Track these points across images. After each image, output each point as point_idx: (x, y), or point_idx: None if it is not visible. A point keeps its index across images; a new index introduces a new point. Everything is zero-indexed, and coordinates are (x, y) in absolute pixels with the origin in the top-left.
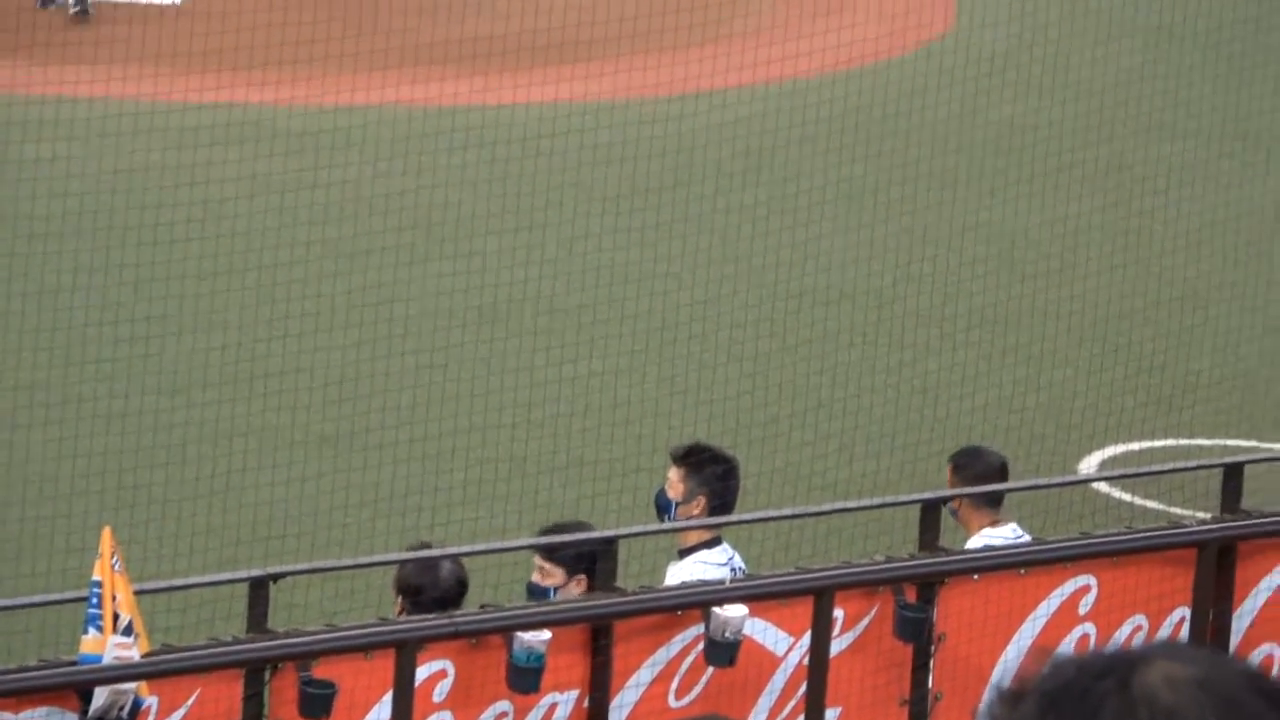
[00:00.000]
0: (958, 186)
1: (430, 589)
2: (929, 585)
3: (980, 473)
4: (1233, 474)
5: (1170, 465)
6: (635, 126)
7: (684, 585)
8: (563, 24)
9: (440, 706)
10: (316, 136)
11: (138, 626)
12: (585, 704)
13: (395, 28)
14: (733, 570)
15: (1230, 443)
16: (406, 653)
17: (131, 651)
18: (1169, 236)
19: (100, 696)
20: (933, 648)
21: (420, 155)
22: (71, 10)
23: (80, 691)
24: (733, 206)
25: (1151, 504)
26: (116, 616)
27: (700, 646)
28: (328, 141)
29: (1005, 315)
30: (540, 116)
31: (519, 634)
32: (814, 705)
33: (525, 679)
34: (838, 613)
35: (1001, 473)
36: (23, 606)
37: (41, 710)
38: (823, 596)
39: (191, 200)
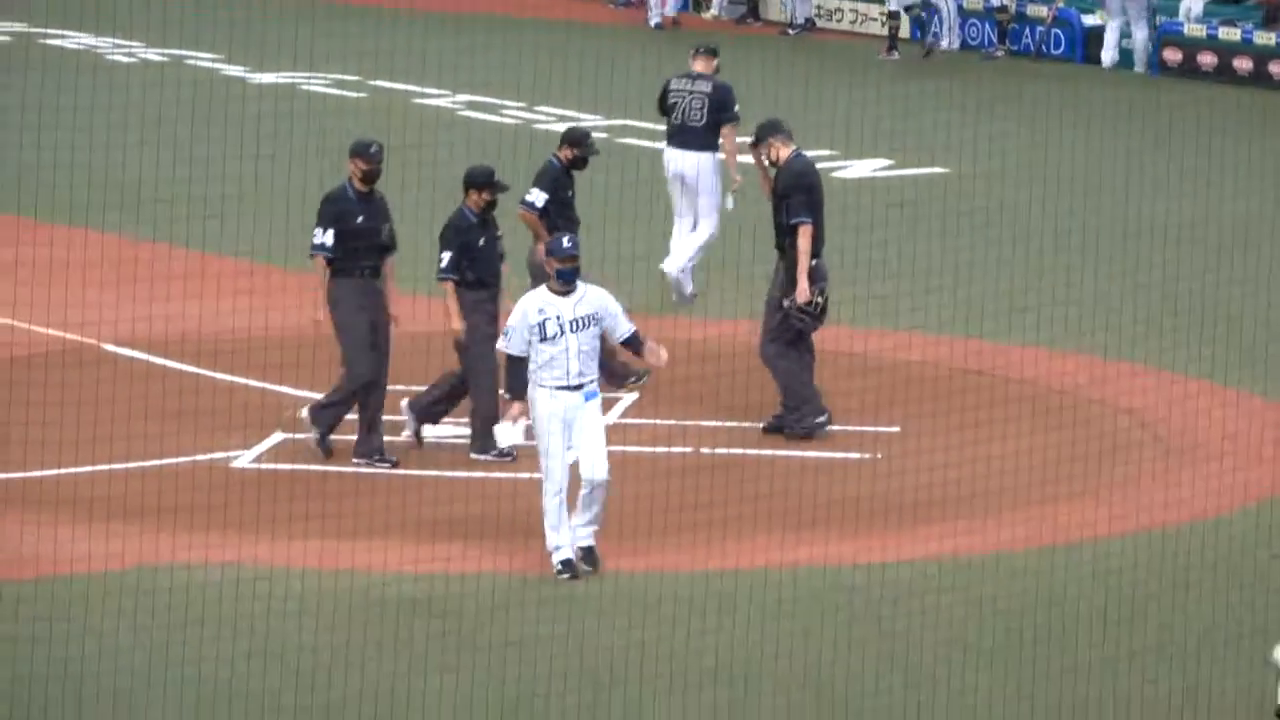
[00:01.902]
0: None
1: None
2: None
3: None
4: None
5: None
6: (1016, 579)
7: None
8: (943, 480)
9: None
10: (704, 601)
11: None
12: None
13: (777, 489)
14: None
15: None
16: None
17: None
18: None
19: None
20: None
21: (805, 616)
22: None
23: None
24: (1120, 654)
25: None
26: None
27: None
28: (714, 605)
29: None
30: (923, 573)
31: None
32: None
33: None
34: None
35: None
36: None
37: None
38: None
39: (582, 670)
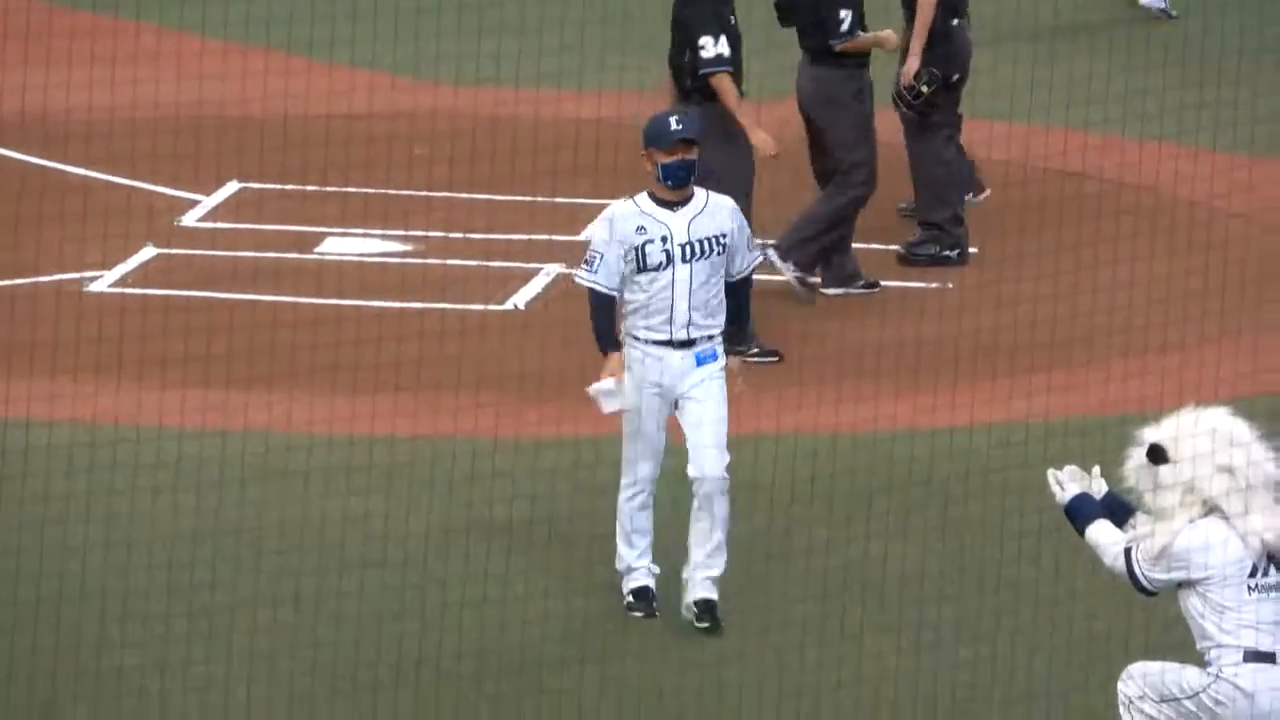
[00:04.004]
0: None
1: None
2: None
3: None
4: None
5: None
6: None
7: None
8: (1031, 318)
9: None
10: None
11: None
12: None
13: (812, 330)
14: None
15: None
16: None
17: None
18: None
19: None
20: None
21: (845, 497)
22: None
23: None
24: None
25: None
26: None
27: None
28: None
29: None
30: (1004, 442)
31: None
32: None
33: None
34: None
35: None
36: None
37: None
38: None
39: (551, 562)
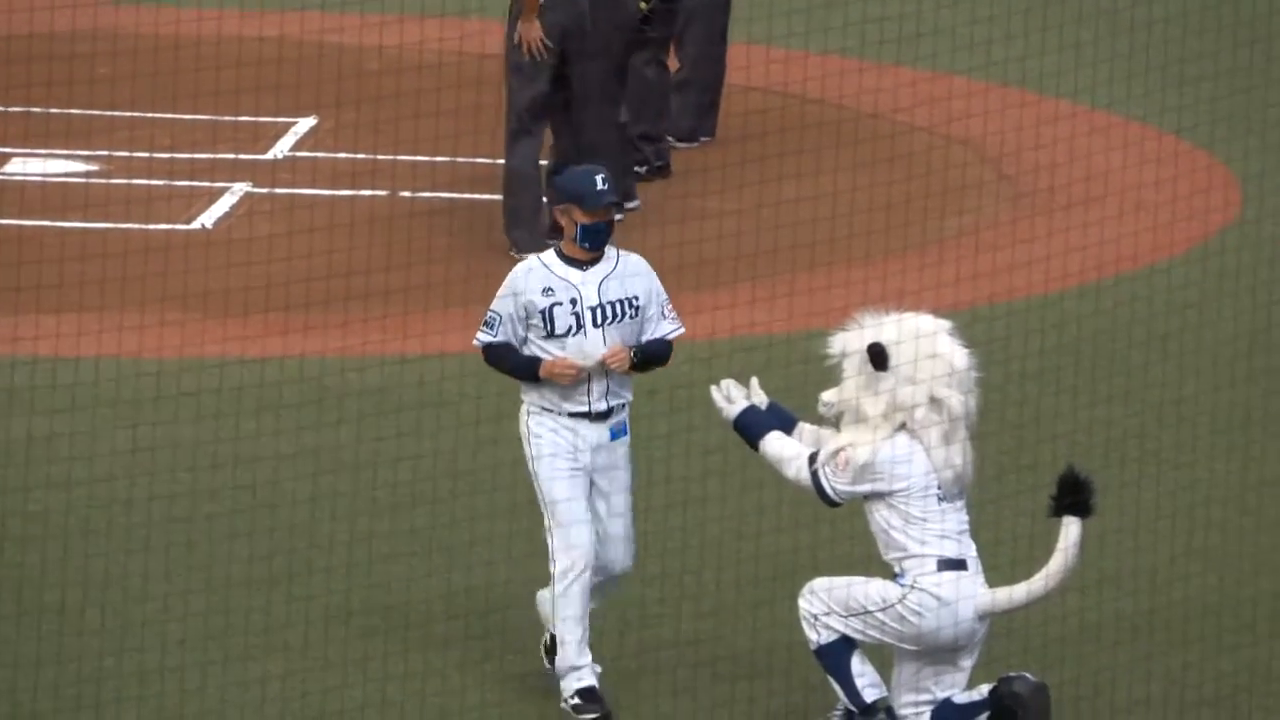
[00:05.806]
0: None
1: None
2: None
3: None
4: None
5: None
6: (813, 365)
7: None
8: (717, 232)
9: None
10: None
11: None
12: None
13: (478, 243)
14: None
15: None
16: None
17: None
18: None
19: None
20: None
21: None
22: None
23: None
24: None
25: None
26: None
27: None
28: (391, 402)
29: None
30: (690, 358)
31: None
32: None
33: None
34: None
35: None
36: None
37: None
38: None
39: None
